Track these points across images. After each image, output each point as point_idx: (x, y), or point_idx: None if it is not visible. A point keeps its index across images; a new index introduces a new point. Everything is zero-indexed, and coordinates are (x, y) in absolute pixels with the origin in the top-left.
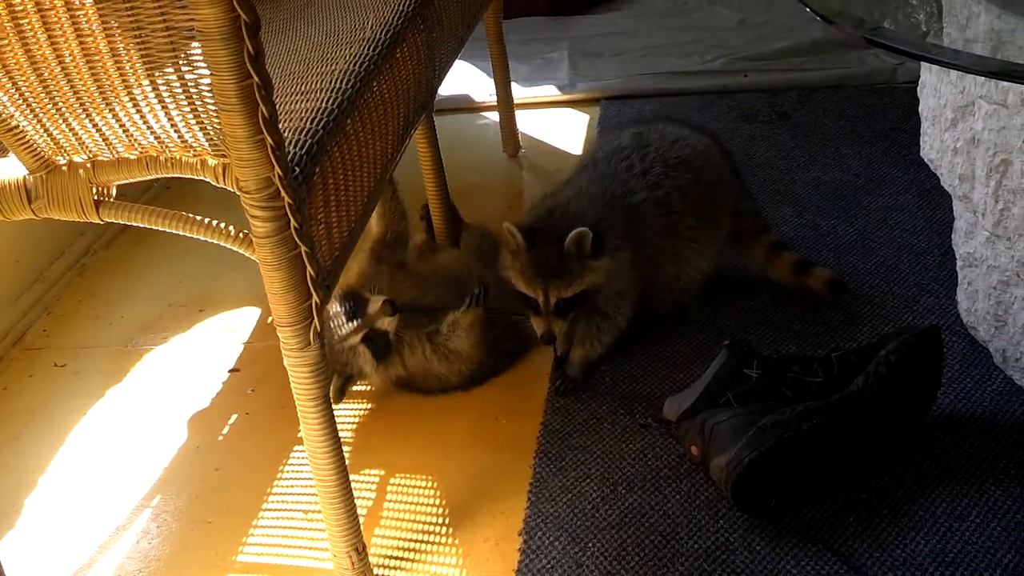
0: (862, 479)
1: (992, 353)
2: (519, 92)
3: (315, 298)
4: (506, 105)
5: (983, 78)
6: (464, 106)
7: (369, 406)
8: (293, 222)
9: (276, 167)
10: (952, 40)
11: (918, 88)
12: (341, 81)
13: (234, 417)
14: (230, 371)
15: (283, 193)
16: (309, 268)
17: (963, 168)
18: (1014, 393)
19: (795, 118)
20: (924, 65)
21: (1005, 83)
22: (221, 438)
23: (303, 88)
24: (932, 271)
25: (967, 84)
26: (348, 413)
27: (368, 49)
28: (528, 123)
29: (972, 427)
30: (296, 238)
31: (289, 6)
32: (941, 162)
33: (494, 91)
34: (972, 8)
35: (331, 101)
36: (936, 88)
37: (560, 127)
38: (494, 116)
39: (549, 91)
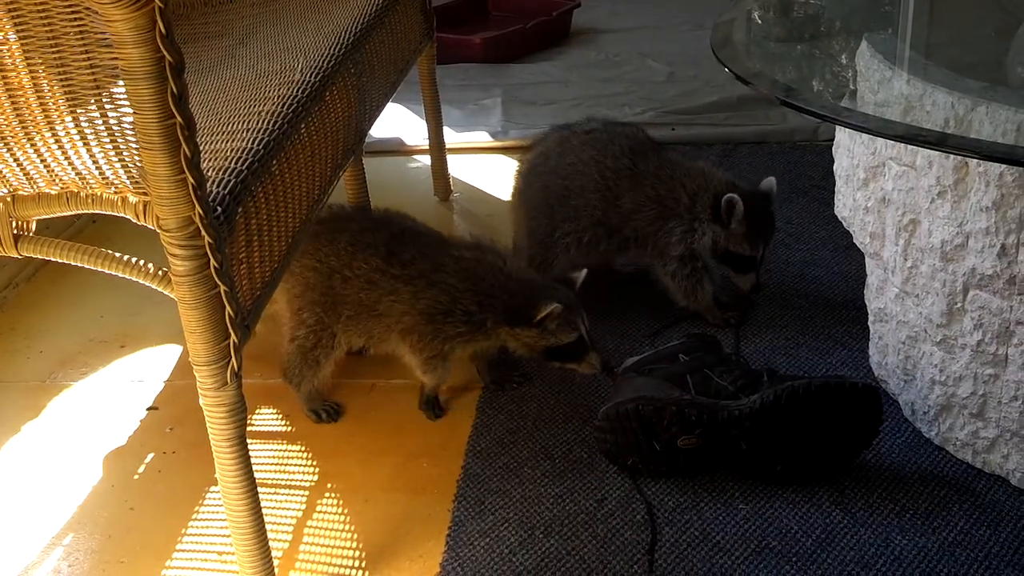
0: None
1: (902, 406)
2: (452, 137)
3: (233, 338)
4: (438, 149)
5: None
6: (396, 149)
7: (288, 447)
8: (213, 261)
9: (197, 206)
10: (865, 103)
11: (833, 148)
12: (268, 122)
13: (151, 456)
14: (148, 409)
15: (203, 232)
16: (228, 308)
17: (874, 227)
18: (921, 445)
19: None
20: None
21: (912, 146)
22: (137, 477)
23: (229, 128)
24: (846, 324)
25: (878, 146)
26: (266, 453)
27: (297, 91)
28: (460, 168)
29: (881, 477)
30: (215, 277)
31: (220, 46)
32: (853, 220)
33: (427, 135)
34: (884, 73)
35: (257, 142)
36: (849, 148)
37: (492, 173)
38: (426, 160)
39: (482, 137)
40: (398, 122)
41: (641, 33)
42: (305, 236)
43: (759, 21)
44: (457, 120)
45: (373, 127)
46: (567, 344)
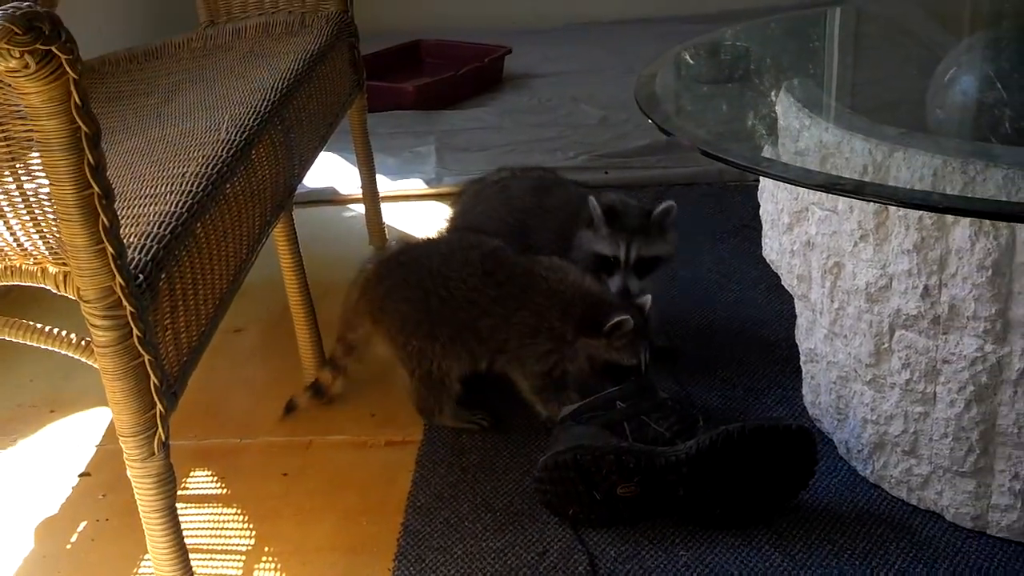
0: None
1: (836, 444)
2: (387, 185)
3: (159, 407)
4: (372, 198)
5: None
6: (330, 198)
7: (223, 509)
8: (135, 331)
9: (117, 276)
10: (785, 150)
11: (758, 192)
12: (192, 184)
13: (83, 524)
14: (80, 475)
15: (124, 302)
16: (153, 377)
17: (800, 269)
18: (857, 483)
19: None
20: None
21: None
22: (69, 546)
23: (152, 191)
24: (780, 364)
25: (801, 191)
26: (200, 518)
27: (221, 151)
28: (395, 216)
29: (818, 518)
30: (139, 347)
31: (145, 104)
32: (781, 263)
33: (360, 184)
34: (803, 121)
35: (180, 204)
36: (774, 194)
37: (427, 220)
38: (361, 208)
39: (416, 184)
40: (332, 171)
41: (574, 78)
42: (234, 296)
43: (691, 61)
44: (391, 168)
45: (307, 176)
46: (626, 367)
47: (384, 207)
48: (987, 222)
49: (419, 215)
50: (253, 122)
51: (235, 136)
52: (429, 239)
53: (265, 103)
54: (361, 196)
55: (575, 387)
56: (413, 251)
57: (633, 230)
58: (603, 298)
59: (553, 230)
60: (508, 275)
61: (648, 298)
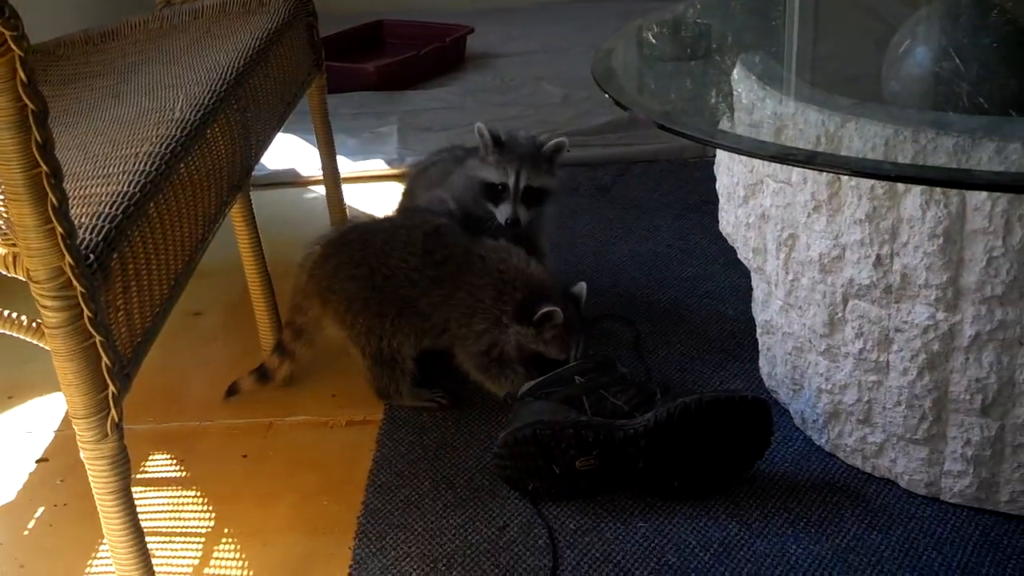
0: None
1: (792, 415)
2: (348, 166)
3: (112, 388)
4: (332, 180)
5: None
6: (291, 180)
7: (183, 492)
8: (86, 311)
9: (67, 255)
10: (741, 123)
11: (714, 167)
12: (145, 163)
13: (41, 509)
14: (38, 461)
15: (75, 282)
16: (105, 358)
17: (756, 242)
18: (812, 452)
19: (614, 191)
20: None
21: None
22: (27, 532)
23: (105, 171)
24: (738, 337)
25: (755, 164)
26: (160, 501)
27: (176, 130)
28: (357, 197)
29: (775, 487)
30: (90, 327)
31: (102, 85)
32: (737, 236)
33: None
34: (757, 93)
35: (133, 184)
36: (729, 167)
37: (388, 201)
38: (322, 190)
39: (378, 165)
40: (293, 153)
41: (536, 57)
42: (189, 277)
43: (653, 40)
44: (353, 149)
45: (268, 158)
46: (552, 360)
47: (346, 188)
48: (938, 190)
49: (381, 195)
50: (208, 101)
51: (190, 115)
52: (377, 218)
53: (221, 82)
54: (322, 177)
55: (519, 362)
56: (359, 230)
57: (522, 158)
58: (542, 284)
59: (433, 180)
60: (447, 255)
61: (583, 286)
